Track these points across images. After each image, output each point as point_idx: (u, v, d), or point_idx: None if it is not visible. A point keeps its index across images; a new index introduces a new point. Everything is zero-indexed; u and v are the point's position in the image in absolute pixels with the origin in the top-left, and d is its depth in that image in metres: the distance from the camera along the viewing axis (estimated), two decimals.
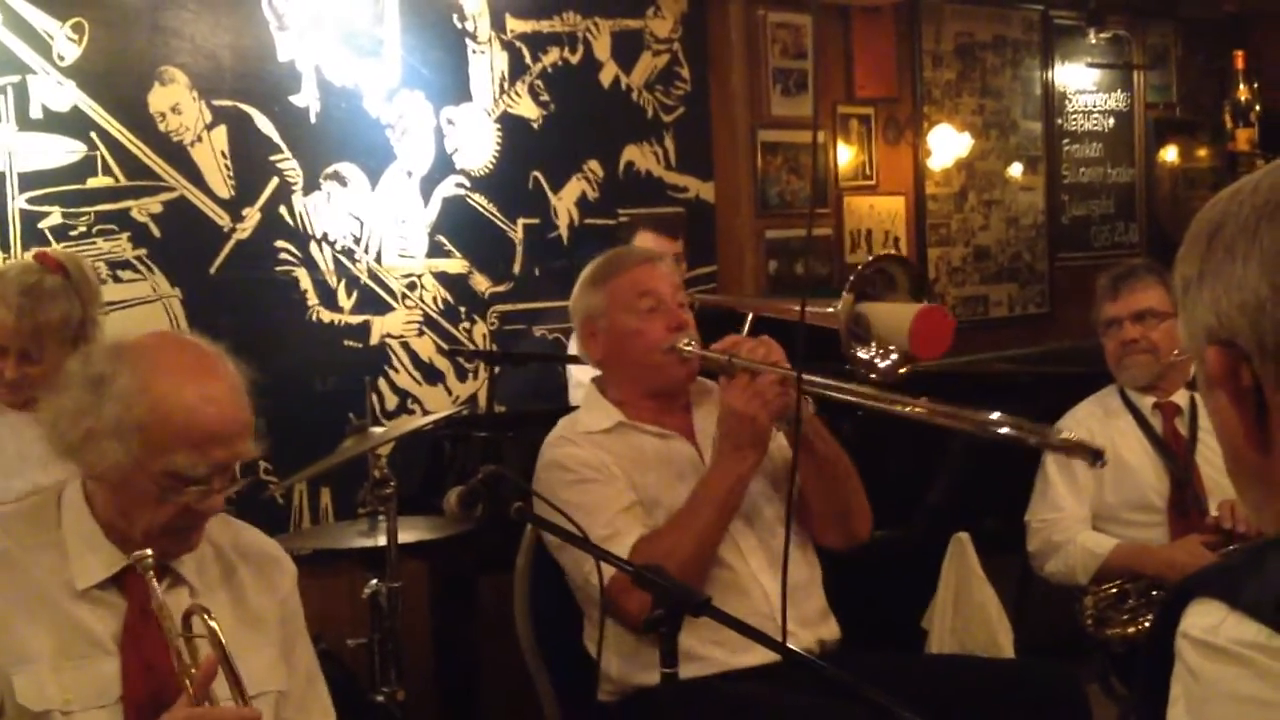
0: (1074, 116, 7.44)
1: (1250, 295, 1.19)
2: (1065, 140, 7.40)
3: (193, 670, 2.17)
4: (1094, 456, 2.59)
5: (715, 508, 2.97)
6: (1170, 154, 7.85)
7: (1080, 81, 7.45)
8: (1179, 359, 3.75)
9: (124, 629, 2.23)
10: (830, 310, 2.98)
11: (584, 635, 3.16)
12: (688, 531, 2.96)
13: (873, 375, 2.99)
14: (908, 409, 2.82)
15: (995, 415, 2.65)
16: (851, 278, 3.02)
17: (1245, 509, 1.41)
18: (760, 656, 2.86)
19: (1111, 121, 7.62)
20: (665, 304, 3.16)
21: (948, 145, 6.73)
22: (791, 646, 2.54)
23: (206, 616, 2.19)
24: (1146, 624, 3.65)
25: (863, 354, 3.01)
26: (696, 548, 2.95)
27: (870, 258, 3.05)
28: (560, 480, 3.07)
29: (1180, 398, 3.87)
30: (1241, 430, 1.24)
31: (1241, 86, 7.74)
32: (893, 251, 3.11)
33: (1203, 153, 7.96)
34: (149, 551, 2.19)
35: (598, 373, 3.31)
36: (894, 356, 3.00)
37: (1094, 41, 7.31)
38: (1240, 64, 7.72)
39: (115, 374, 2.21)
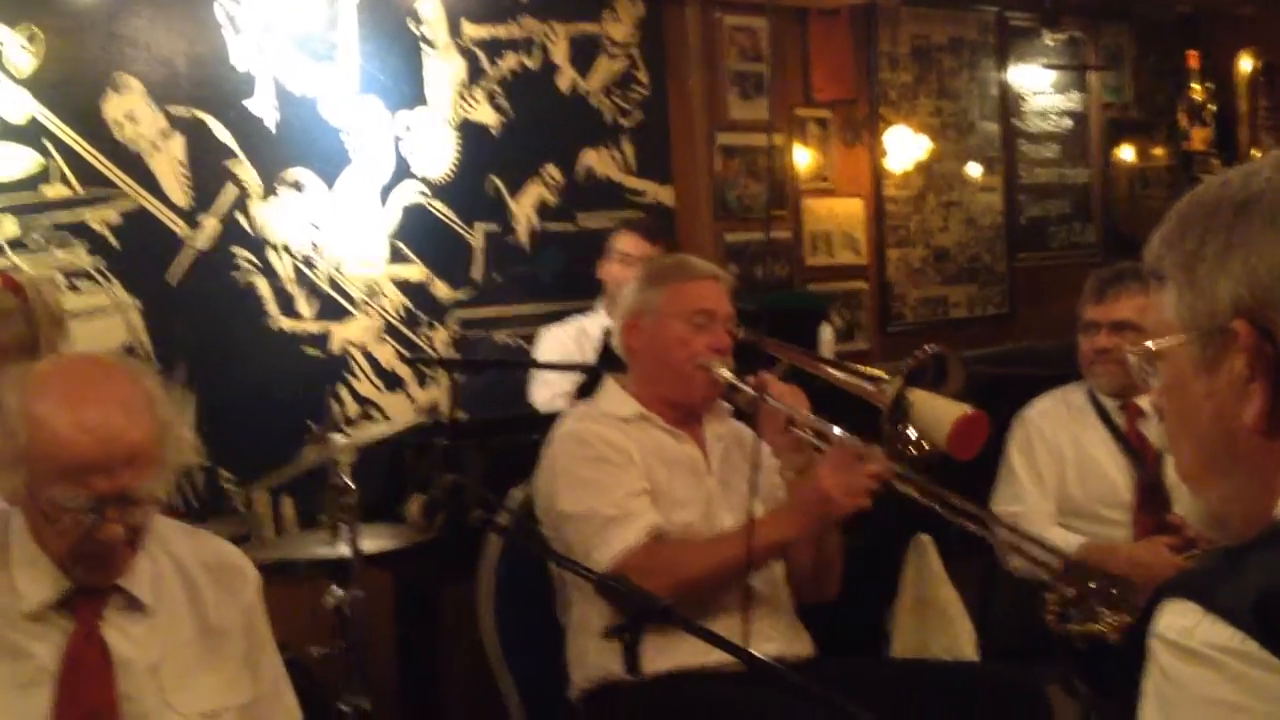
0: (1030, 117, 7.47)
1: None
2: (1022, 141, 7.42)
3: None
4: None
5: (742, 551, 2.90)
6: (1126, 154, 7.89)
7: (1036, 83, 7.48)
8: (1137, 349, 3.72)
9: (65, 654, 2.19)
10: (875, 389, 2.99)
11: (557, 610, 3.19)
12: (706, 557, 2.98)
13: (903, 459, 3.00)
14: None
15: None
16: (909, 362, 3.02)
17: (1205, 509, 1.33)
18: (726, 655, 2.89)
19: (1067, 122, 7.65)
20: (716, 323, 3.18)
21: (905, 147, 6.74)
22: (755, 652, 2.55)
23: None
24: (1109, 621, 3.67)
25: (901, 432, 3.00)
26: (702, 574, 2.96)
27: (929, 348, 3.04)
28: (577, 454, 3.10)
29: (1146, 401, 3.78)
30: (1254, 409, 1.23)
31: (1196, 86, 7.81)
32: (944, 350, 3.08)
33: (1158, 152, 8.00)
34: None
35: (557, 378, 3.31)
36: (926, 448, 3.00)
37: (1049, 43, 7.35)
38: (1194, 64, 7.79)
39: (7, 402, 2.15)
